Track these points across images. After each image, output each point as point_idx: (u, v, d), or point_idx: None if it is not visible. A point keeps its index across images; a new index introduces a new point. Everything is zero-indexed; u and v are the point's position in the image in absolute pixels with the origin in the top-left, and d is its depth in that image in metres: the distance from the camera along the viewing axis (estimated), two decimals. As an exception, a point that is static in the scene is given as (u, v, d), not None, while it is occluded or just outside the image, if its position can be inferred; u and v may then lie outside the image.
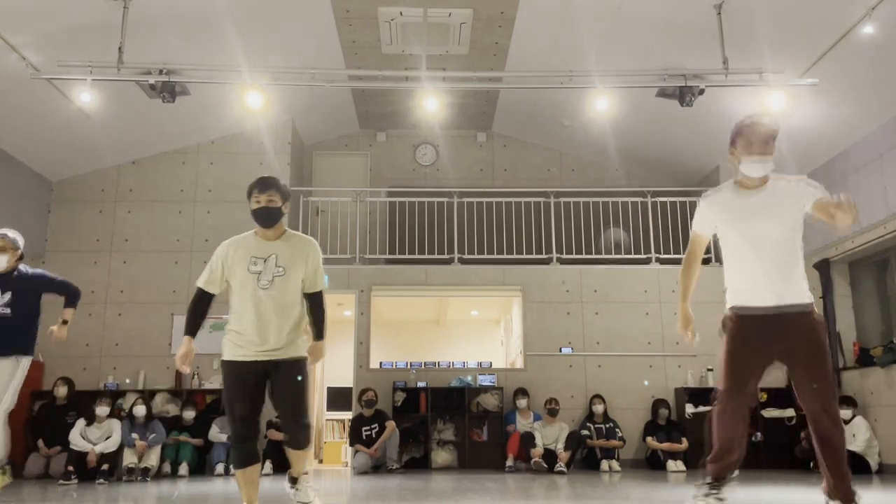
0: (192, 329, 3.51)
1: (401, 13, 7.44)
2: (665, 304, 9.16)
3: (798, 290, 3.17)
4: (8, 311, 4.83)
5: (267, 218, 3.52)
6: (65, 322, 5.07)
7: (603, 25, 7.27)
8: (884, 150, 7.71)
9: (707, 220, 3.34)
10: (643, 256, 9.53)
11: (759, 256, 3.16)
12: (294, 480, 3.71)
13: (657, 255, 9.42)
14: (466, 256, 9.41)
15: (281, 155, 9.61)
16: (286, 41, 7.81)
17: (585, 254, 9.73)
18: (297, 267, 3.51)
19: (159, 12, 6.81)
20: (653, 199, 9.68)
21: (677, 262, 9.32)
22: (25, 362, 4.96)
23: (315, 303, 3.57)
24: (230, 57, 7.40)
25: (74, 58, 6.70)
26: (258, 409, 3.51)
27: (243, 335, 3.46)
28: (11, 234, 5.02)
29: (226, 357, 3.51)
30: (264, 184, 3.54)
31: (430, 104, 7.21)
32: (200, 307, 3.56)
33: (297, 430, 3.51)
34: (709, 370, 8.89)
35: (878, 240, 7.74)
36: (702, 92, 6.93)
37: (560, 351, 9.01)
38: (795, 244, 3.21)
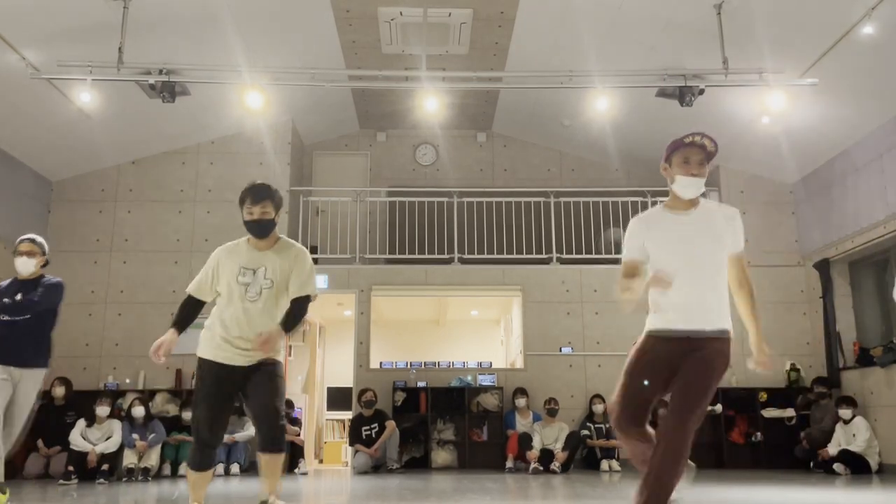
0: (178, 323, 3.49)
1: (401, 13, 7.44)
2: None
3: (719, 316, 3.06)
4: (27, 315, 4.70)
5: (260, 231, 3.50)
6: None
7: (603, 25, 7.27)
8: (884, 150, 7.71)
9: (638, 243, 3.16)
10: (643, 256, 9.51)
11: (686, 280, 2.98)
12: None
13: (657, 255, 9.40)
14: (466, 256, 9.41)
15: (281, 155, 9.61)
16: (286, 41, 7.81)
17: (585, 254, 9.73)
18: (285, 278, 3.46)
19: (159, 12, 6.81)
20: (653, 199, 9.67)
21: (677, 262, 9.39)
22: (39, 374, 4.84)
23: (297, 304, 3.48)
24: (230, 57, 7.39)
25: (74, 58, 6.70)
26: (228, 414, 3.48)
27: (226, 337, 3.42)
28: (39, 239, 4.92)
29: (205, 355, 3.46)
30: (257, 194, 3.47)
31: (430, 104, 7.21)
32: (190, 310, 3.53)
33: (274, 430, 3.40)
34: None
35: (878, 240, 7.75)
36: (702, 92, 6.92)
37: (560, 351, 9.01)
38: (722, 267, 3.09)
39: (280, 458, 3.48)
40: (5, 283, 4.83)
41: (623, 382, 3.05)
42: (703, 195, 3.17)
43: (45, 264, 4.89)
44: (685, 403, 2.88)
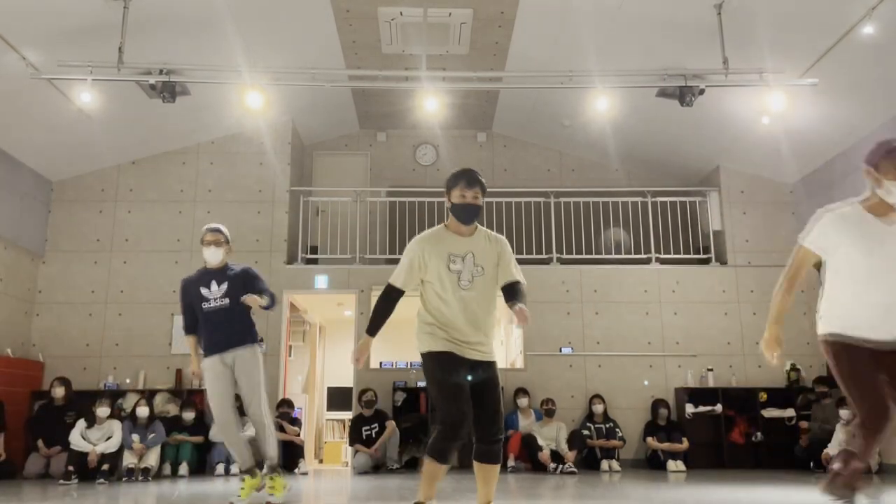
0: (375, 328, 3.38)
1: (401, 13, 7.44)
2: (665, 304, 9.16)
3: None
4: (227, 301, 4.77)
5: (469, 215, 3.37)
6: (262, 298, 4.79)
7: (603, 25, 7.26)
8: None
9: (829, 238, 3.08)
10: (643, 256, 9.53)
11: (886, 286, 2.99)
12: None
13: (657, 255, 9.42)
14: (466, 256, 9.39)
15: (281, 155, 9.62)
16: (286, 41, 7.81)
17: (585, 254, 9.73)
18: (493, 264, 3.39)
19: (159, 12, 6.81)
20: (653, 199, 9.68)
21: (677, 262, 9.42)
22: (259, 351, 4.89)
23: (519, 286, 3.42)
24: (230, 57, 7.40)
25: (74, 58, 6.70)
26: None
27: (448, 332, 3.32)
28: (223, 228, 5.01)
29: (434, 348, 3.32)
30: (472, 179, 3.38)
31: (430, 104, 7.21)
32: (391, 304, 3.41)
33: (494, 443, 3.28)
34: (709, 370, 8.89)
35: (878, 240, 7.73)
36: (702, 92, 6.92)
37: (560, 351, 9.02)
38: None
39: (496, 469, 3.35)
40: (194, 275, 4.96)
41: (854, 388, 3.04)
42: None
43: (229, 252, 5.00)
44: None
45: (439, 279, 3.30)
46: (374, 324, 3.38)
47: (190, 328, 4.95)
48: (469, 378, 3.30)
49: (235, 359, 4.77)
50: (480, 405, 3.29)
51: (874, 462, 7.47)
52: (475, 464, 3.35)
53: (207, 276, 4.89)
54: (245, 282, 4.86)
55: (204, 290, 4.83)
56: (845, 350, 3.06)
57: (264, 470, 4.90)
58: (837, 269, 3.11)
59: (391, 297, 3.39)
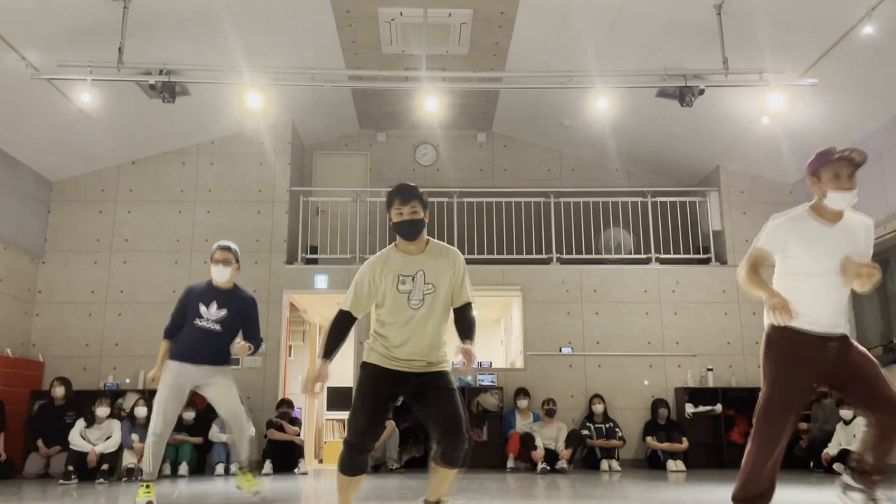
0: (330, 351, 3.31)
1: (401, 13, 7.44)
2: (665, 304, 9.16)
3: (843, 321, 3.24)
4: (218, 328, 4.77)
5: (410, 231, 3.27)
6: (251, 348, 4.87)
7: (603, 25, 7.26)
8: (884, 150, 7.71)
9: (781, 241, 3.24)
10: (643, 256, 9.53)
11: (824, 287, 3.17)
12: None
13: (657, 255, 9.42)
14: (466, 256, 9.31)
15: (281, 155, 9.62)
16: (286, 41, 7.81)
17: (585, 254, 9.73)
18: (445, 281, 3.31)
19: (159, 12, 6.81)
20: (653, 199, 9.68)
21: (677, 262, 9.42)
22: (229, 370, 4.96)
23: (468, 313, 3.37)
24: (230, 57, 7.40)
25: (74, 58, 6.70)
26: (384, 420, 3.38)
27: (389, 350, 3.35)
28: (234, 246, 4.95)
29: (371, 360, 3.37)
30: (405, 194, 3.26)
31: (430, 104, 7.21)
32: (343, 330, 3.37)
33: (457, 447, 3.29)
34: (709, 370, 8.89)
35: (878, 240, 7.74)
36: (702, 92, 6.92)
37: (560, 351, 9.01)
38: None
39: (455, 472, 3.36)
40: (201, 285, 4.91)
41: (772, 385, 3.33)
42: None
43: (237, 269, 4.95)
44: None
45: (390, 300, 3.27)
46: (328, 348, 3.31)
47: (168, 333, 4.91)
48: (396, 393, 3.34)
49: (207, 376, 4.77)
50: (438, 413, 3.28)
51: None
52: (432, 465, 3.33)
53: (211, 293, 4.83)
54: (245, 320, 4.87)
55: (202, 308, 4.78)
56: (781, 340, 3.22)
57: (236, 468, 5.06)
58: (784, 267, 3.27)
59: (343, 322, 3.34)
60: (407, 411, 8.68)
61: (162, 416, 4.70)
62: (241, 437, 4.93)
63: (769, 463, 3.27)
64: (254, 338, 4.86)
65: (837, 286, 3.18)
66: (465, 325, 3.32)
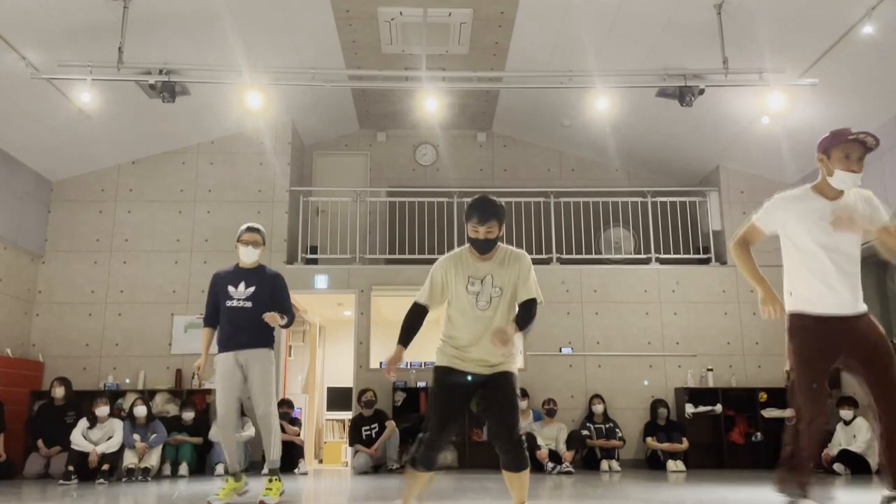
0: (405, 340, 3.44)
1: (401, 13, 7.44)
2: (665, 304, 9.16)
3: (861, 300, 3.27)
4: (249, 304, 4.85)
5: (484, 248, 3.37)
6: (283, 317, 4.94)
7: (603, 25, 7.26)
8: (884, 150, 7.70)
9: (781, 219, 3.31)
10: (643, 256, 9.53)
11: (832, 265, 3.21)
12: None
13: (657, 255, 9.42)
14: (466, 256, 9.38)
15: (281, 155, 9.62)
16: (286, 41, 7.81)
17: (585, 254, 9.74)
18: (512, 284, 3.39)
19: (159, 12, 6.81)
20: (653, 199, 9.68)
21: (677, 262, 9.42)
22: (272, 355, 4.99)
23: (527, 306, 3.41)
24: (230, 57, 7.40)
25: (74, 58, 6.70)
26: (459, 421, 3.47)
27: (458, 349, 3.42)
28: (262, 228, 5.09)
29: (441, 363, 3.45)
30: (484, 214, 3.31)
31: (430, 104, 7.21)
32: (418, 319, 3.47)
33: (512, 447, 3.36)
34: (709, 370, 8.89)
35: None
36: (702, 92, 6.92)
37: (560, 351, 9.01)
38: (858, 255, 3.29)
39: (521, 476, 3.42)
40: (227, 269, 5.03)
41: (800, 369, 3.34)
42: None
43: (263, 252, 5.09)
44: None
45: (458, 300, 3.40)
46: (404, 337, 3.45)
47: (208, 320, 5.01)
48: (470, 392, 3.40)
49: (249, 360, 4.84)
50: (493, 416, 3.39)
51: (874, 462, 7.46)
52: (503, 471, 3.45)
53: (239, 274, 4.96)
54: (273, 291, 4.95)
55: (231, 288, 4.89)
56: (800, 329, 3.28)
57: (264, 470, 4.95)
58: (789, 249, 3.33)
59: (415, 313, 3.47)
60: (407, 411, 8.71)
61: (219, 407, 4.79)
62: (265, 438, 4.92)
63: (814, 436, 3.28)
64: (286, 311, 4.95)
65: (845, 263, 3.20)
66: (521, 313, 3.39)
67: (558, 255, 9.44)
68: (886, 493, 3.21)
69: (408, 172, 10.66)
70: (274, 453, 4.90)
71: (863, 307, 3.25)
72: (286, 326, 5.01)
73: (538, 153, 10.77)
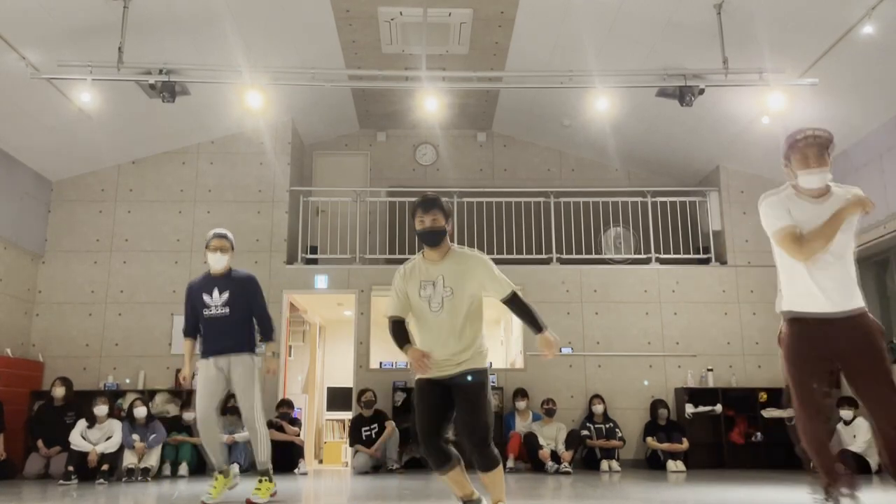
0: (402, 345, 3.51)
1: (401, 13, 7.44)
2: (665, 304, 9.16)
3: (854, 296, 3.25)
4: (227, 311, 4.90)
5: (432, 239, 3.45)
6: (274, 354, 5.11)
7: (603, 25, 7.26)
8: (884, 150, 7.71)
9: (784, 210, 3.25)
10: (643, 256, 9.53)
11: (823, 263, 3.20)
12: None
13: (657, 255, 9.42)
14: (466, 256, 9.38)
15: (281, 155, 9.62)
16: (286, 41, 7.81)
17: (585, 254, 9.73)
18: (464, 284, 3.44)
19: (159, 12, 6.81)
20: (653, 199, 9.68)
21: (677, 262, 9.42)
22: (254, 359, 5.00)
23: (518, 304, 3.49)
24: (230, 57, 7.40)
25: (74, 58, 6.70)
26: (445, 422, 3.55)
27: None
28: (229, 234, 5.10)
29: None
30: (427, 204, 3.44)
31: (430, 104, 7.21)
32: (403, 328, 3.56)
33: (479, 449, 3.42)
34: (709, 370, 8.89)
35: (878, 239, 7.74)
36: (702, 92, 6.92)
37: (560, 351, 9.01)
38: (851, 252, 3.28)
39: (494, 474, 3.48)
40: (198, 279, 5.07)
41: (792, 374, 3.35)
42: (832, 183, 3.30)
43: (232, 256, 5.11)
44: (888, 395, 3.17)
45: (415, 307, 3.50)
46: (401, 342, 3.52)
47: (189, 332, 5.05)
48: (447, 393, 3.48)
49: (231, 365, 4.87)
50: (459, 416, 3.47)
51: (874, 462, 7.46)
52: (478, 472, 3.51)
53: (211, 282, 4.99)
54: (246, 294, 4.99)
55: (206, 297, 4.94)
56: (790, 335, 3.28)
57: (259, 474, 4.97)
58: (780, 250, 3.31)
59: (396, 324, 3.55)
60: (407, 411, 8.71)
61: (198, 410, 4.85)
62: (252, 440, 4.96)
63: (822, 436, 3.30)
64: (263, 318, 5.01)
65: (836, 262, 3.20)
66: (523, 315, 3.48)
67: (558, 255, 9.44)
68: None
69: (408, 172, 10.67)
70: (262, 454, 4.94)
71: (857, 304, 3.23)
72: (269, 337, 5.06)
73: (538, 153, 10.77)
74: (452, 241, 3.62)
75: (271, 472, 4.98)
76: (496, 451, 3.45)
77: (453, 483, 3.52)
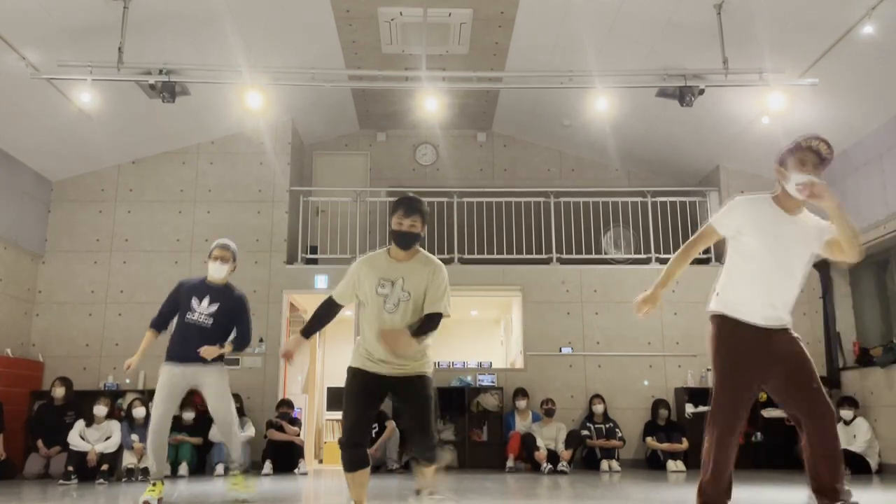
0: (309, 329, 3.58)
1: (401, 13, 7.44)
2: (665, 304, 9.13)
3: (789, 314, 3.21)
4: (210, 322, 4.87)
5: (405, 242, 3.47)
6: (221, 347, 4.96)
7: (603, 25, 7.26)
8: (884, 150, 7.71)
9: (737, 223, 3.25)
10: (643, 256, 9.52)
11: (772, 277, 3.17)
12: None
13: (657, 255, 9.42)
14: (466, 256, 9.41)
15: (281, 155, 9.62)
16: (286, 41, 7.81)
17: (585, 254, 9.73)
18: (421, 292, 3.45)
19: (159, 12, 6.81)
20: (653, 199, 9.68)
21: (677, 262, 9.39)
22: (224, 369, 4.99)
23: (429, 318, 3.47)
24: (230, 57, 7.39)
25: (74, 58, 6.70)
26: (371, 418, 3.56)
27: (369, 350, 3.49)
28: (232, 245, 5.07)
29: (354, 364, 3.53)
30: (410, 207, 3.44)
31: (430, 104, 7.21)
32: (326, 312, 3.59)
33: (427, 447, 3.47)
34: (709, 370, 8.87)
35: (878, 240, 7.74)
36: (702, 92, 6.92)
37: (560, 351, 9.01)
38: (803, 273, 3.25)
39: (432, 468, 3.52)
40: (194, 280, 5.05)
41: (721, 377, 3.31)
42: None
43: (233, 270, 5.06)
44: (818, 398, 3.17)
45: (369, 301, 3.48)
46: (309, 327, 3.58)
47: (157, 325, 5.08)
48: (379, 393, 3.50)
49: (198, 374, 4.84)
50: (408, 418, 3.50)
51: (874, 462, 7.46)
52: (415, 463, 3.57)
53: (205, 289, 4.95)
54: (233, 313, 4.96)
55: (195, 301, 4.90)
56: (727, 332, 3.29)
57: (232, 470, 5.07)
58: (736, 252, 3.30)
59: (329, 306, 3.59)
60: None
61: (155, 413, 4.82)
62: (228, 441, 4.98)
63: (730, 460, 3.32)
64: (244, 336, 4.98)
65: (787, 278, 3.17)
66: (423, 323, 3.42)
67: (558, 255, 9.44)
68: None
69: (408, 172, 10.67)
70: (234, 454, 4.99)
71: (788, 321, 3.18)
72: (238, 350, 5.02)
73: (538, 153, 10.77)
74: (424, 246, 3.64)
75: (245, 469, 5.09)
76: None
77: (359, 485, 3.48)
